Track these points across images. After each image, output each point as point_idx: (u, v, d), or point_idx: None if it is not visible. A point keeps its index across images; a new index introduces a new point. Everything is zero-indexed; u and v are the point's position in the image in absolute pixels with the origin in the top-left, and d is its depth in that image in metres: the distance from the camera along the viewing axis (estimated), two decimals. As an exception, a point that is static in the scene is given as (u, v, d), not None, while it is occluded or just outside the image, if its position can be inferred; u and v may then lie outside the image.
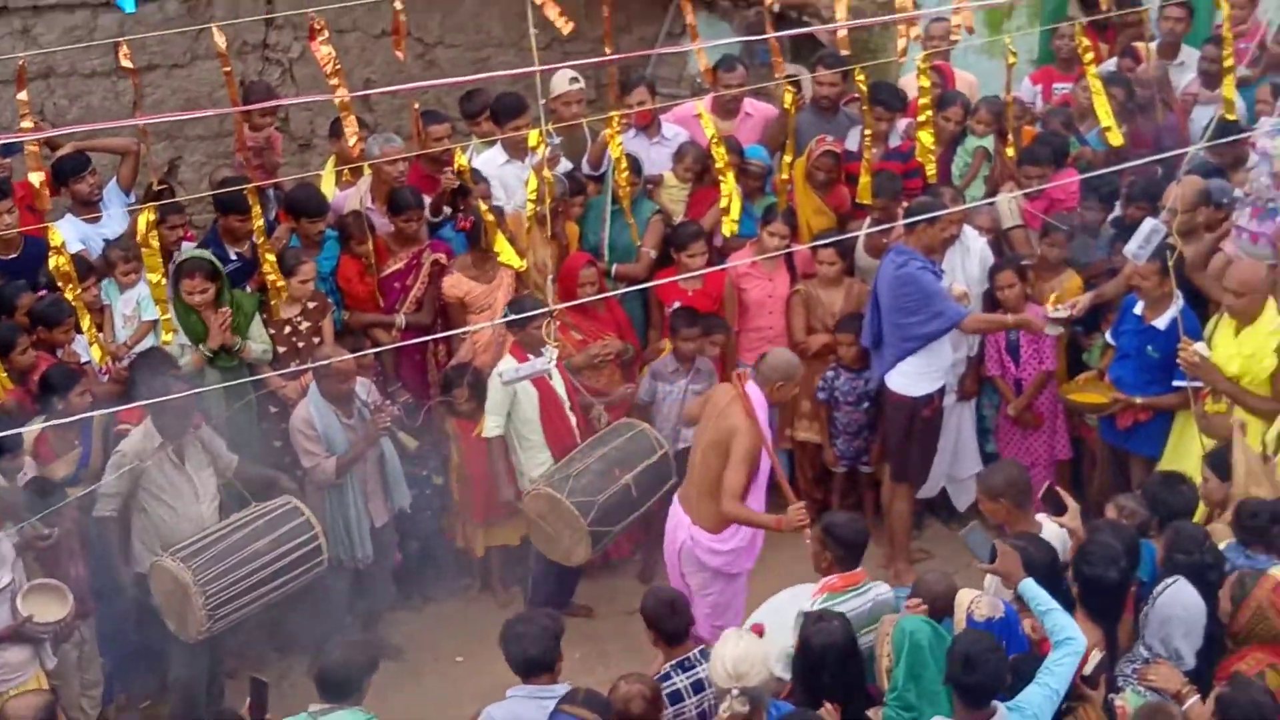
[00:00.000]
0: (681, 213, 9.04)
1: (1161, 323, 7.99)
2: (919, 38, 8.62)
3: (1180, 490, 6.91)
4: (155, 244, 6.73)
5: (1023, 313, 8.41)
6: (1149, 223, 7.92)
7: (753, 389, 7.39)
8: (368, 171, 8.70)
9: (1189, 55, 10.16)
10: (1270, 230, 7.95)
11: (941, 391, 8.57)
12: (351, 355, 7.56)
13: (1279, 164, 7.96)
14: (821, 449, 9.00)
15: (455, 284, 8.37)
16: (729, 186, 7.76)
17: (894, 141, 9.33)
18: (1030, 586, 5.86)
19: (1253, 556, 6.33)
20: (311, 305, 8.07)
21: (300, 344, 8.01)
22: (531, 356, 7.66)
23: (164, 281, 6.97)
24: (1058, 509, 6.76)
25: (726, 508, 7.32)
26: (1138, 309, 8.11)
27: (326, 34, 6.42)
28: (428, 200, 8.59)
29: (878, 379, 8.57)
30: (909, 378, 8.41)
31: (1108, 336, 8.45)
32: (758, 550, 7.68)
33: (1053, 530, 6.61)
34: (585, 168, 9.03)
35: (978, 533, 6.25)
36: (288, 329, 8.02)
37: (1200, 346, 7.71)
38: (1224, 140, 8.53)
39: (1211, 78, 9.44)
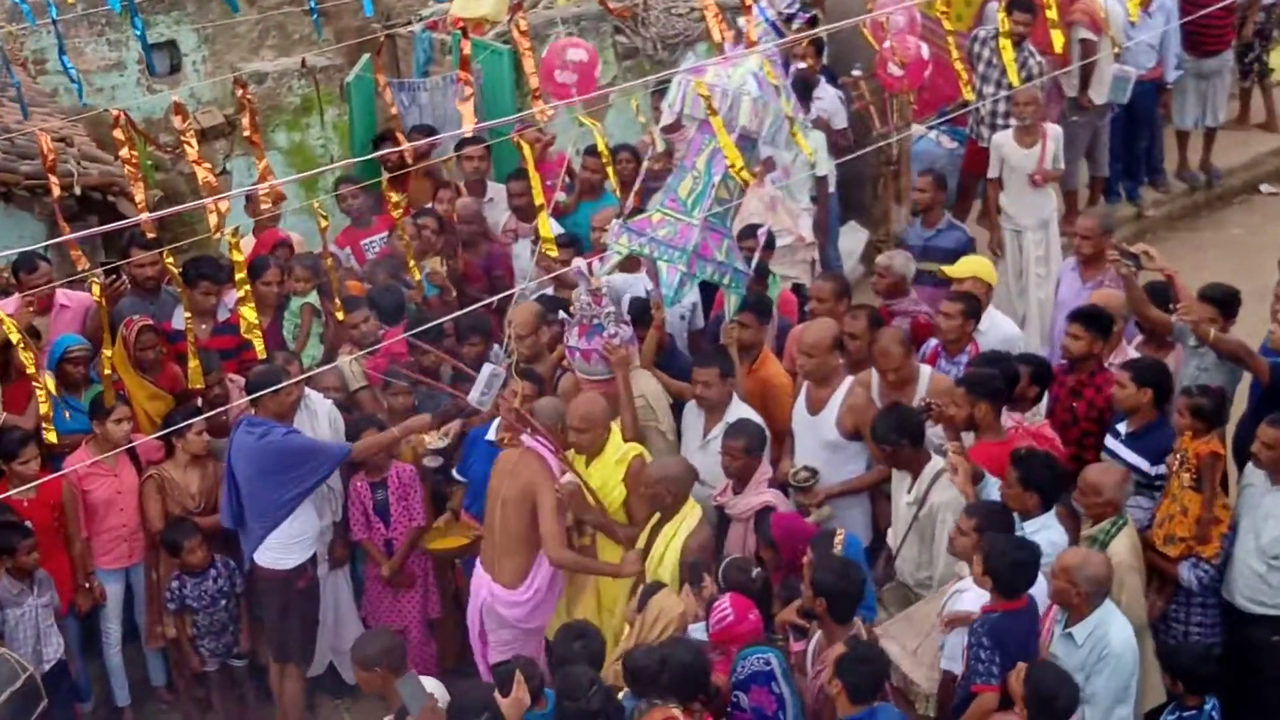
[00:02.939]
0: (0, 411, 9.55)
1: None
2: (227, 211, 9.90)
3: (574, 647, 7.58)
4: None
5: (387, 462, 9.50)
6: (487, 368, 9.27)
7: (533, 443, 8.57)
8: None
9: (496, 191, 11.97)
10: (599, 345, 9.25)
11: (314, 560, 9.47)
12: None
13: (595, 282, 9.39)
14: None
15: None
16: (42, 388, 8.43)
17: (223, 315, 10.37)
18: None
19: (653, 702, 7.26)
20: None
21: None
22: None
23: None
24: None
25: (555, 555, 8.56)
26: (491, 434, 9.20)
27: None
28: None
29: (248, 558, 9.36)
30: (279, 550, 9.25)
31: (455, 473, 9.60)
32: (553, 605, 8.82)
33: (432, 690, 7.48)
34: None
35: (413, 681, 7.12)
36: None
37: (567, 477, 8.76)
38: (559, 272, 10.06)
39: (524, 211, 11.30)
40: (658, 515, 8.72)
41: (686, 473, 8.73)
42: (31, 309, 9.57)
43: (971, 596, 7.70)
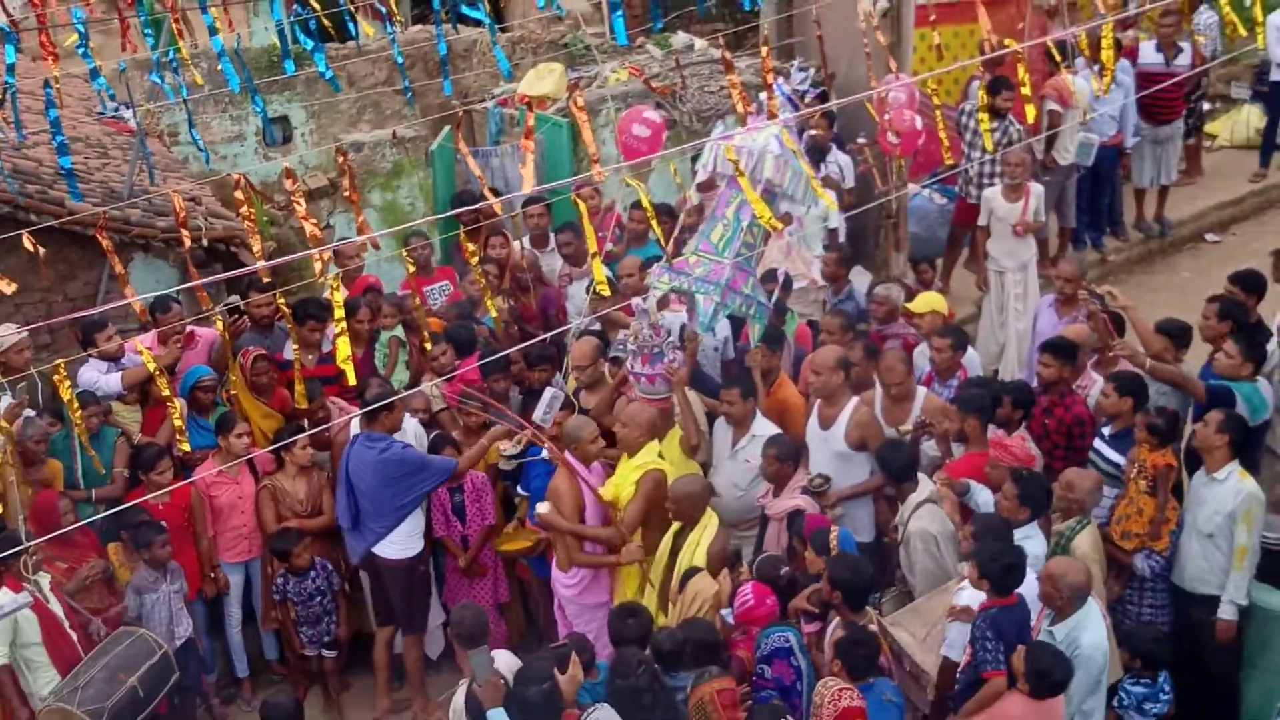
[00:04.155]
0: (138, 433, 9.72)
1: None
2: (330, 259, 9.96)
3: (628, 624, 7.72)
4: None
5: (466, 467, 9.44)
6: (549, 391, 9.40)
7: (570, 457, 8.65)
8: None
9: (554, 240, 11.96)
10: (662, 369, 9.44)
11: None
12: None
13: (654, 316, 9.58)
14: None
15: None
16: (175, 410, 8.58)
17: (326, 347, 10.31)
18: (496, 715, 6.86)
19: (674, 676, 7.41)
20: None
21: None
22: (26, 586, 8.25)
23: None
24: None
25: (575, 559, 8.69)
26: (544, 454, 9.26)
27: None
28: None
29: (362, 554, 9.40)
30: (402, 542, 9.32)
31: (519, 489, 9.72)
32: (604, 587, 8.86)
33: (504, 661, 7.57)
34: None
35: (483, 654, 7.14)
36: None
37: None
38: (610, 309, 10.21)
39: (572, 258, 11.36)
40: (678, 525, 8.68)
41: (704, 490, 8.70)
42: (179, 344, 9.70)
43: (970, 592, 7.71)
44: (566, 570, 8.97)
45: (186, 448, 8.86)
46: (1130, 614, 8.76)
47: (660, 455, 9.06)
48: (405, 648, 9.79)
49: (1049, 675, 7.05)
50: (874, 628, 7.73)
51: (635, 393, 9.67)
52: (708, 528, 8.53)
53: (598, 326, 10.47)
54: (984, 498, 8.51)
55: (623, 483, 8.88)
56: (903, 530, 8.57)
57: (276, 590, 9.66)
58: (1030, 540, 8.05)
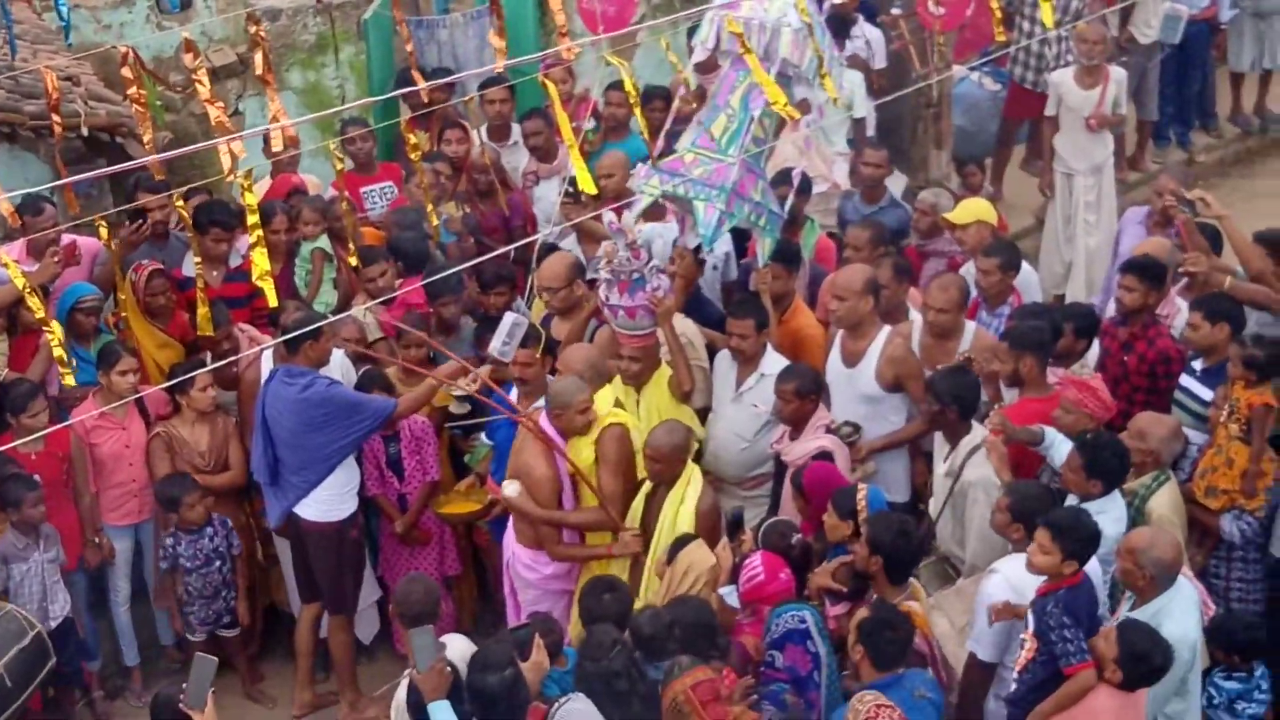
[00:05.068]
0: (4, 366, 9.52)
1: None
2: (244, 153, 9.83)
3: (604, 599, 7.66)
4: None
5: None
6: (509, 318, 9.13)
7: (546, 423, 8.47)
8: None
9: (520, 134, 11.86)
10: (643, 300, 9.21)
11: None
12: None
13: (631, 234, 9.33)
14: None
15: None
16: (54, 337, 8.30)
17: (234, 261, 10.30)
18: (439, 709, 6.81)
19: (657, 666, 7.30)
20: None
21: None
22: None
23: None
24: None
25: (554, 553, 8.60)
26: (514, 395, 9.22)
27: None
28: None
29: (281, 514, 9.35)
30: (328, 502, 9.26)
31: (483, 437, 9.61)
32: (577, 573, 8.75)
33: (458, 648, 7.48)
34: None
35: (426, 635, 7.03)
36: None
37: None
38: (584, 217, 10.10)
39: (541, 151, 11.23)
40: (649, 485, 8.64)
41: (686, 439, 8.61)
42: (57, 258, 9.52)
43: (999, 579, 7.64)
44: (536, 548, 8.85)
45: (71, 381, 8.72)
46: (1216, 589, 8.73)
47: (618, 404, 9.01)
48: (331, 631, 9.77)
49: (1148, 659, 6.96)
50: (913, 605, 7.70)
51: (615, 327, 9.56)
52: (690, 482, 8.49)
53: (572, 237, 10.39)
54: (1065, 450, 8.35)
55: (579, 445, 8.73)
56: (952, 482, 8.53)
57: (165, 554, 9.61)
58: (1104, 516, 7.81)
